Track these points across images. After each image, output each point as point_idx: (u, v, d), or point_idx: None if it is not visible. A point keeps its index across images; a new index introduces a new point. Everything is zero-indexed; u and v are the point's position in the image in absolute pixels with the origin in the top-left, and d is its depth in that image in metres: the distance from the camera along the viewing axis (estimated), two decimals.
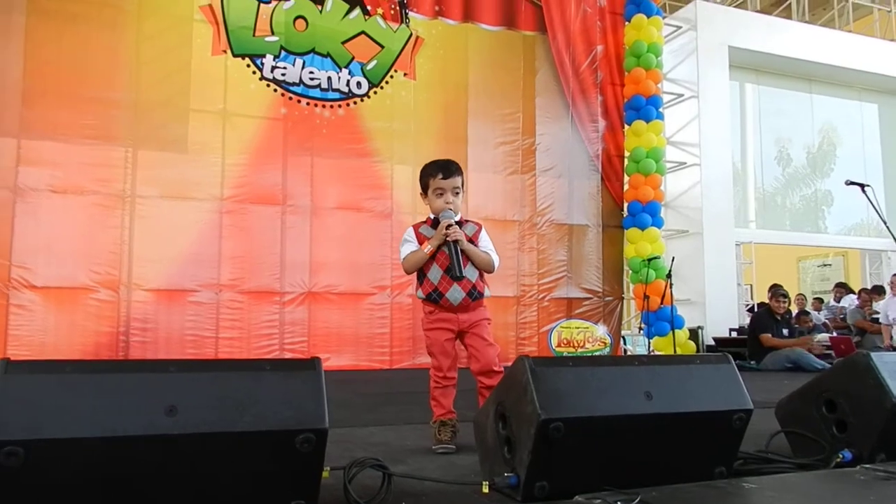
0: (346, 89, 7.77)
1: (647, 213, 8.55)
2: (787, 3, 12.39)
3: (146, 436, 1.49)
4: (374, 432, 3.19)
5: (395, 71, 8.02)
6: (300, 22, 7.65)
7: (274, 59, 7.51)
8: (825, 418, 2.37)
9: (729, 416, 2.01)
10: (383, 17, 8.01)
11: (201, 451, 1.55)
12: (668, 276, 7.98)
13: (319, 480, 1.67)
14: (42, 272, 6.48)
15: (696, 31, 10.12)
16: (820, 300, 12.26)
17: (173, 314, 6.89)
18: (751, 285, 11.54)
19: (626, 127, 8.92)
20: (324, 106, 7.67)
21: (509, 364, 2.08)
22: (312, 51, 7.67)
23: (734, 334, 9.45)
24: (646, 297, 8.12)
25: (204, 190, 7.10)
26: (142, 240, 6.83)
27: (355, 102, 7.81)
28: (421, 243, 2.90)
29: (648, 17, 8.84)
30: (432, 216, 2.95)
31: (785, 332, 7.96)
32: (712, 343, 9.10)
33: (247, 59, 7.43)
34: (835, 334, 9.45)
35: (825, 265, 15.27)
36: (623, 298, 8.96)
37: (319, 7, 7.75)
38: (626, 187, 8.89)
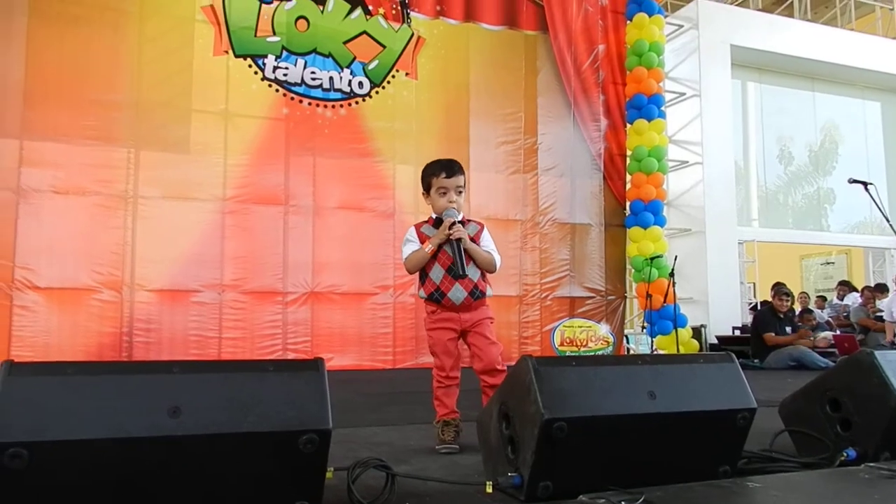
0: (347, 89, 7.77)
1: (649, 212, 8.55)
2: (789, 1, 12.36)
3: (150, 437, 1.49)
4: (377, 432, 3.19)
5: (397, 71, 8.02)
6: (302, 22, 7.65)
7: (276, 60, 7.51)
8: (829, 417, 2.36)
9: (733, 416, 2.01)
10: (385, 16, 8.01)
11: (205, 452, 1.55)
12: (671, 274, 7.97)
13: (323, 481, 1.67)
14: (45, 273, 6.49)
15: (697, 30, 10.10)
16: (823, 298, 12.24)
17: (176, 314, 6.89)
18: (754, 284, 11.53)
19: (628, 126, 8.91)
20: (325, 106, 7.67)
21: (512, 363, 2.07)
22: (314, 51, 7.68)
23: (737, 333, 9.45)
24: (648, 295, 8.11)
25: (206, 190, 7.11)
26: (144, 240, 6.83)
27: (357, 102, 7.81)
28: (423, 243, 2.90)
29: (650, 15, 8.83)
30: (434, 215, 2.95)
31: (788, 330, 7.95)
32: (715, 342, 9.09)
33: (248, 59, 7.43)
34: (838, 332, 9.44)
35: (828, 263, 15.25)
36: (626, 297, 8.95)
37: (321, 7, 7.75)
38: (628, 186, 8.88)
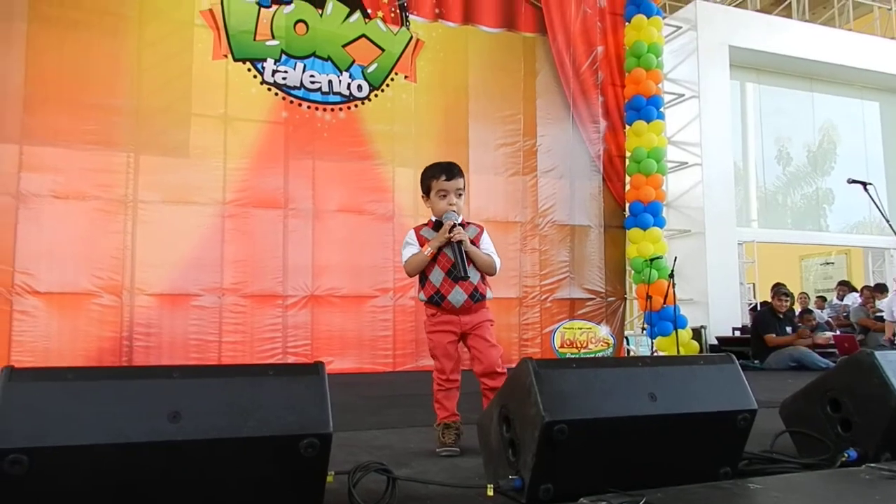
0: (346, 92, 7.78)
1: (648, 213, 8.55)
2: (787, 2, 12.38)
3: (150, 442, 1.49)
4: (377, 436, 3.19)
5: (396, 74, 8.03)
6: (300, 26, 7.66)
7: (275, 63, 7.52)
8: (830, 417, 2.36)
9: (733, 417, 2.01)
10: (383, 20, 8.02)
11: (205, 457, 1.55)
12: (671, 275, 7.97)
13: (324, 485, 1.67)
14: (45, 278, 6.49)
15: (696, 31, 10.11)
16: (823, 298, 12.25)
17: (176, 319, 6.89)
18: (753, 284, 11.54)
19: (627, 127, 8.92)
20: (325, 109, 7.68)
21: (512, 365, 2.07)
22: (313, 54, 7.68)
23: (737, 333, 9.44)
24: (648, 297, 8.10)
25: (206, 194, 7.11)
26: (144, 244, 6.84)
27: (356, 105, 7.81)
28: (422, 245, 2.90)
29: (648, 17, 8.84)
30: (434, 218, 2.95)
31: (788, 330, 7.95)
32: (715, 343, 9.09)
33: (248, 63, 7.44)
34: (838, 333, 9.43)
35: (828, 263, 15.25)
36: (626, 299, 8.95)
37: (320, 11, 7.76)
38: (627, 187, 8.88)
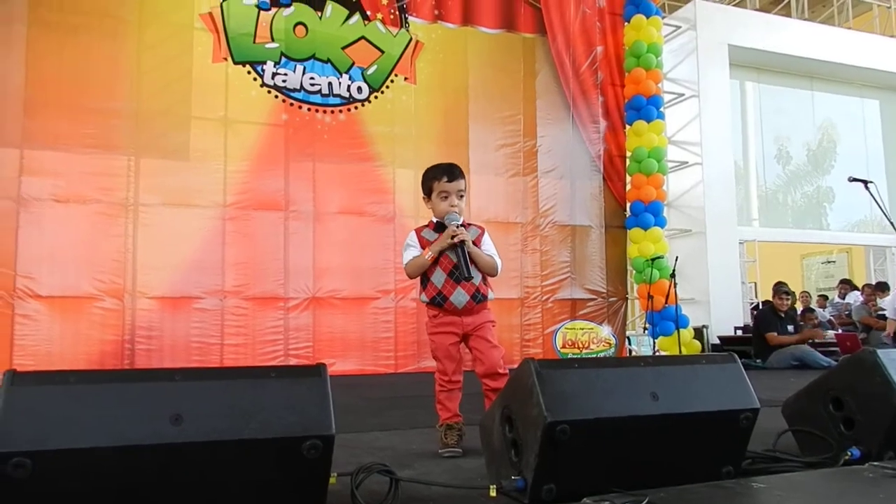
0: (346, 94, 7.78)
1: (649, 213, 8.54)
2: (787, 1, 12.37)
3: (152, 445, 1.49)
4: (379, 437, 3.19)
5: (396, 75, 8.03)
6: (300, 28, 7.67)
7: (274, 66, 7.53)
8: (832, 416, 2.36)
9: (736, 416, 2.01)
10: (383, 21, 8.03)
11: (208, 460, 1.55)
12: (672, 275, 7.96)
13: (326, 487, 1.67)
14: (46, 282, 6.50)
15: (695, 31, 10.11)
16: (825, 297, 12.23)
17: (178, 322, 6.90)
18: (755, 283, 11.53)
19: (628, 127, 8.91)
20: (325, 111, 7.68)
21: (514, 366, 2.07)
22: (313, 57, 7.69)
23: (739, 333, 9.44)
24: (650, 296, 8.10)
25: (206, 197, 7.12)
26: (145, 248, 6.84)
27: (356, 107, 7.82)
28: (423, 247, 2.90)
29: (648, 17, 8.83)
30: (435, 219, 2.95)
31: (790, 328, 7.94)
32: (717, 342, 9.08)
33: (247, 66, 7.44)
34: (840, 331, 9.43)
35: (829, 262, 15.24)
36: (627, 299, 8.95)
37: (319, 13, 7.77)
38: (628, 187, 8.88)
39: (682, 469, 1.94)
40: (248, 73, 7.43)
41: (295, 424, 1.61)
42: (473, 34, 8.48)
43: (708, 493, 1.82)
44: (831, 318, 10.58)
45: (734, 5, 11.92)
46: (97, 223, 6.73)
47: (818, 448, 2.31)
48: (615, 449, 1.89)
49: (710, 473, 1.97)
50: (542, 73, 8.74)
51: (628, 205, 8.80)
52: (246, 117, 7.39)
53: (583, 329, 7.98)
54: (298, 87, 7.59)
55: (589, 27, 8.91)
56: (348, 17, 7.88)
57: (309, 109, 7.62)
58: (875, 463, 2.07)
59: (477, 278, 2.86)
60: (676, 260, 8.02)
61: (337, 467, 1.73)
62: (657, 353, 8.06)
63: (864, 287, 10.52)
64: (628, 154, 8.89)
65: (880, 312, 9.38)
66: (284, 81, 7.54)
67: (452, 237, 2.78)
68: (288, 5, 7.64)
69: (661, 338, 8.24)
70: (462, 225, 2.86)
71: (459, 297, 2.82)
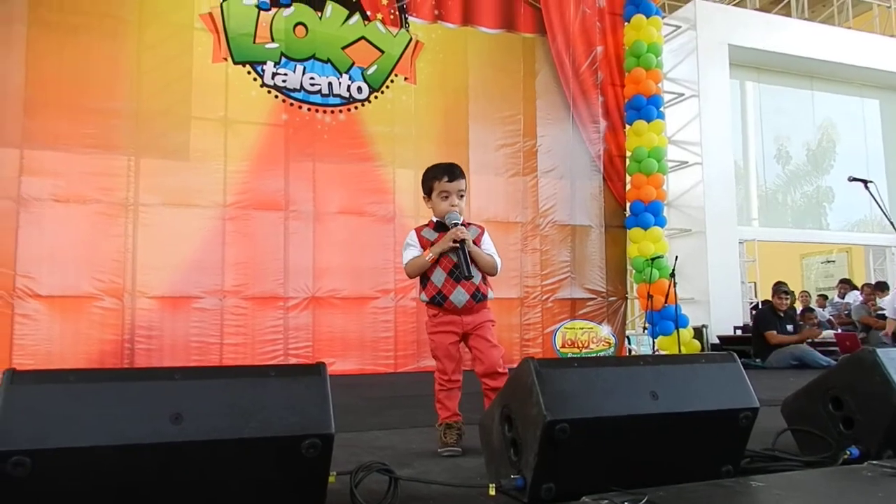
0: (346, 94, 7.78)
1: (649, 213, 8.54)
2: (787, 0, 12.37)
3: (152, 444, 1.50)
4: (379, 436, 3.19)
5: (396, 75, 8.03)
6: (300, 28, 7.67)
7: (274, 66, 7.53)
8: (832, 415, 2.36)
9: (735, 415, 2.01)
10: (383, 21, 8.03)
11: (207, 459, 1.55)
12: (672, 275, 7.96)
13: (326, 486, 1.67)
14: (46, 281, 6.50)
15: (695, 31, 10.11)
16: (824, 297, 12.23)
17: (178, 321, 6.90)
18: (755, 283, 11.53)
19: (628, 127, 8.91)
20: (325, 111, 7.68)
21: (513, 366, 2.08)
22: (313, 57, 7.69)
23: (739, 332, 9.44)
24: (649, 296, 8.10)
25: (206, 197, 7.12)
26: (145, 248, 6.84)
27: (356, 107, 7.82)
28: (423, 246, 2.90)
29: (648, 17, 8.83)
30: (435, 219, 2.95)
31: (789, 328, 7.94)
32: (717, 342, 9.08)
33: (247, 66, 7.44)
34: (839, 331, 9.43)
35: (829, 262, 15.24)
36: (627, 298, 8.95)
37: (319, 13, 7.77)
38: (628, 187, 8.88)
39: (681, 468, 1.94)
40: (248, 73, 7.43)
41: (294, 423, 1.61)
42: (473, 34, 8.48)
43: (707, 491, 1.82)
44: (831, 317, 10.58)
45: (734, 5, 11.92)
46: (97, 223, 6.73)
47: (817, 447, 2.32)
48: (614, 448, 1.89)
49: (710, 472, 1.97)
50: (542, 73, 8.74)
51: (628, 204, 8.80)
52: (246, 117, 7.39)
53: (582, 328, 7.98)
54: (298, 87, 7.59)
55: (589, 27, 8.91)
56: (348, 18, 7.88)
57: (309, 109, 7.62)
58: (874, 462, 2.07)
59: (477, 278, 2.86)
60: (676, 260, 8.02)
61: (336, 466, 1.73)
62: (657, 353, 8.06)
63: (863, 287, 10.52)
64: (628, 154, 8.89)
65: (880, 312, 9.38)
66: (284, 81, 7.54)
67: (454, 241, 2.78)
68: (288, 5, 7.64)
69: (660, 337, 8.24)
70: (462, 224, 2.86)
71: (459, 296, 2.83)
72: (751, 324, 9.06)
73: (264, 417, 1.60)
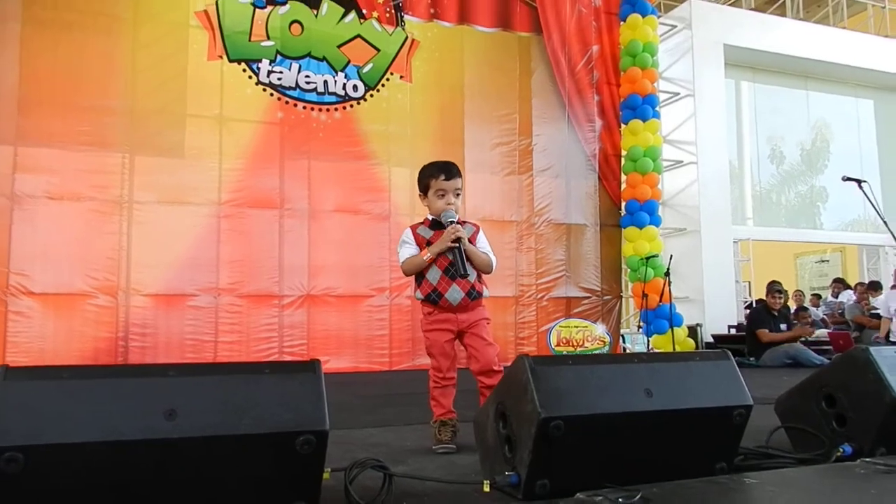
0: (342, 93, 7.78)
1: (644, 212, 8.56)
2: (781, 0, 12.40)
3: (146, 440, 1.49)
4: (374, 433, 3.19)
5: (391, 74, 8.03)
6: (296, 26, 7.66)
7: (270, 64, 7.51)
8: (825, 413, 2.37)
9: (729, 412, 2.02)
10: (378, 20, 8.02)
11: (201, 455, 1.55)
12: (667, 274, 7.98)
13: (320, 482, 1.67)
14: (40, 279, 6.48)
15: (691, 30, 10.13)
16: (818, 296, 12.28)
17: (172, 319, 6.88)
18: (749, 282, 11.55)
19: (623, 126, 8.93)
20: (320, 109, 7.67)
21: (509, 364, 2.08)
22: (308, 55, 7.68)
23: (733, 331, 9.46)
24: (644, 295, 8.12)
25: (201, 195, 7.11)
26: (140, 245, 6.82)
27: (352, 106, 7.81)
28: (419, 244, 2.90)
29: (643, 16, 8.85)
30: (430, 217, 2.95)
31: (783, 327, 7.96)
32: (711, 340, 9.10)
33: (243, 63, 7.43)
34: (833, 330, 9.46)
35: (823, 261, 15.29)
36: (622, 297, 8.97)
37: (315, 11, 7.75)
38: (623, 186, 8.90)
39: (675, 465, 1.94)
40: (244, 70, 7.42)
41: (289, 420, 1.61)
42: (469, 33, 8.48)
43: (701, 488, 1.83)
44: (824, 316, 10.62)
45: (729, 5, 11.94)
46: (91, 220, 6.71)
47: (810, 445, 2.32)
48: (609, 445, 1.89)
49: (704, 469, 1.98)
50: (538, 72, 8.75)
51: (623, 203, 8.82)
52: (241, 115, 7.38)
53: (577, 327, 8.00)
54: (294, 85, 7.58)
55: (585, 26, 8.93)
56: (344, 16, 7.87)
57: (304, 107, 7.61)
58: (867, 459, 2.08)
59: (472, 276, 2.86)
60: (671, 259, 8.04)
61: (331, 463, 1.73)
62: (651, 351, 8.07)
63: (856, 286, 10.57)
64: (623, 153, 8.90)
65: (873, 311, 9.43)
66: (280, 79, 7.53)
67: (452, 240, 2.78)
68: (283, 3, 7.62)
69: (655, 336, 8.26)
70: (457, 222, 2.86)
71: (455, 293, 2.83)
72: (745, 323, 9.09)
73: (258, 414, 1.59)
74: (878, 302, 9.35)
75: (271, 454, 1.59)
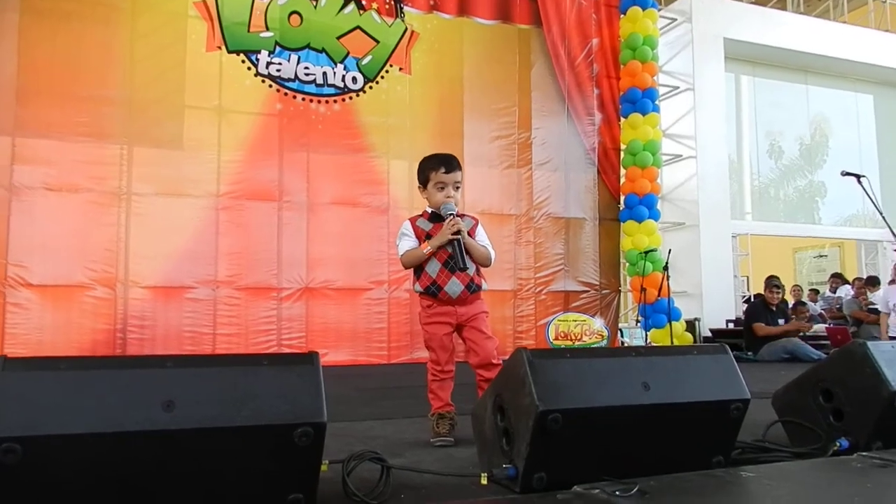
0: (341, 84, 7.75)
1: (643, 206, 8.55)
2: None
3: (143, 431, 1.49)
4: (372, 426, 3.20)
5: (391, 66, 8.01)
6: (295, 17, 7.63)
7: (269, 55, 7.49)
8: (822, 407, 2.38)
9: (726, 406, 2.02)
10: (378, 11, 7.99)
11: (199, 447, 1.55)
12: (665, 268, 7.97)
13: (318, 474, 1.67)
14: (38, 270, 6.47)
15: (691, 24, 10.10)
16: (816, 291, 12.29)
17: (170, 311, 6.88)
18: (747, 277, 11.57)
19: (623, 120, 8.92)
20: (319, 101, 7.65)
21: (507, 358, 2.08)
22: (307, 46, 7.65)
23: (731, 326, 9.48)
24: (643, 289, 8.12)
25: (200, 186, 7.09)
26: (138, 237, 6.82)
27: (351, 98, 7.79)
28: (418, 237, 2.90)
29: (644, 9, 8.82)
30: (429, 209, 2.95)
31: (781, 322, 7.97)
32: (709, 335, 9.12)
33: (241, 55, 7.40)
34: (831, 325, 9.47)
35: (821, 256, 15.31)
36: (620, 291, 8.98)
37: (314, 2, 7.73)
38: (622, 180, 8.89)
39: (672, 458, 1.95)
40: (243, 62, 7.40)
41: (287, 412, 1.61)
42: (469, 25, 8.45)
43: (698, 481, 1.83)
44: (822, 311, 10.63)
45: None
46: (89, 212, 6.70)
47: (807, 439, 2.33)
48: (606, 438, 1.90)
49: (701, 463, 1.98)
50: (538, 65, 8.73)
51: (622, 197, 8.81)
52: (240, 107, 7.36)
53: (575, 321, 8.00)
54: (293, 77, 7.56)
55: (585, 19, 8.90)
56: (343, 7, 7.84)
57: (303, 99, 7.59)
58: (863, 453, 2.09)
59: (471, 269, 2.86)
60: (669, 253, 8.03)
61: (329, 455, 1.73)
62: (649, 346, 8.08)
63: (854, 281, 10.58)
64: (623, 147, 8.89)
65: (871, 306, 9.43)
66: (279, 71, 7.51)
67: (451, 222, 2.78)
68: None
69: (653, 330, 8.27)
70: (456, 215, 2.86)
71: (454, 286, 2.83)
72: (743, 317, 9.10)
73: (256, 406, 1.59)
74: (876, 297, 9.36)
75: (269, 446, 1.60)
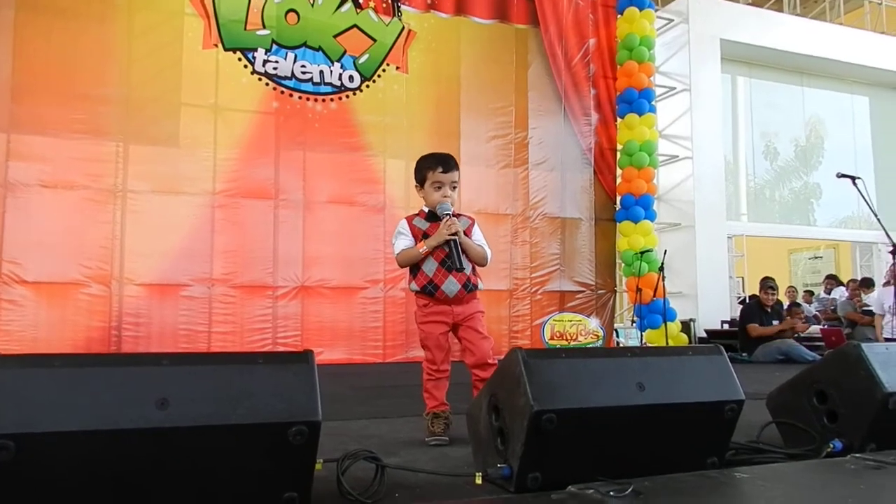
0: (338, 83, 7.75)
1: (639, 206, 8.57)
2: None
3: (138, 429, 1.49)
4: (367, 425, 3.19)
5: (388, 64, 8.00)
6: (292, 15, 7.62)
7: (265, 53, 7.48)
8: (816, 409, 2.38)
9: (721, 407, 2.02)
10: (375, 10, 7.98)
11: (193, 444, 1.55)
12: (661, 268, 7.99)
13: (312, 473, 1.67)
14: (33, 267, 6.46)
15: (688, 24, 10.12)
16: (811, 293, 12.32)
17: (166, 309, 6.87)
18: (742, 278, 11.59)
19: (619, 120, 8.93)
20: (316, 100, 7.65)
21: (502, 357, 2.08)
22: (304, 44, 7.65)
23: (726, 326, 9.49)
24: (638, 289, 8.13)
25: (196, 184, 7.08)
26: (133, 234, 6.80)
27: (347, 96, 7.78)
28: (414, 236, 2.90)
29: (641, 9, 8.84)
30: (426, 209, 2.95)
31: (775, 323, 7.99)
32: (704, 335, 9.14)
33: (238, 52, 7.39)
34: (825, 326, 9.50)
35: (816, 257, 15.35)
36: (616, 291, 8.99)
37: (311, 0, 7.71)
38: (618, 180, 8.90)
39: (667, 459, 1.95)
40: (239, 59, 7.38)
41: (281, 410, 1.61)
42: (466, 24, 8.45)
43: (692, 482, 1.83)
44: (817, 313, 10.66)
45: (727, 0, 11.92)
46: (85, 209, 6.69)
47: (801, 440, 2.34)
48: (601, 438, 1.90)
49: (695, 463, 1.99)
50: (535, 65, 8.73)
51: (618, 198, 8.82)
52: (236, 105, 7.35)
53: (571, 321, 8.01)
54: (289, 75, 7.55)
55: (582, 19, 8.91)
56: (340, 5, 7.83)
57: (300, 97, 7.58)
58: (857, 455, 2.09)
59: (468, 269, 2.86)
60: (665, 253, 8.05)
61: (324, 454, 1.73)
62: (644, 346, 8.10)
63: (849, 282, 10.61)
64: (619, 147, 8.90)
65: (865, 308, 9.46)
66: (275, 69, 7.50)
67: (448, 222, 2.78)
68: None
69: (648, 330, 8.28)
70: (453, 215, 2.86)
71: (451, 286, 2.82)
72: (738, 318, 9.11)
73: (251, 404, 1.59)
74: (871, 299, 9.39)
75: (264, 444, 1.59)
